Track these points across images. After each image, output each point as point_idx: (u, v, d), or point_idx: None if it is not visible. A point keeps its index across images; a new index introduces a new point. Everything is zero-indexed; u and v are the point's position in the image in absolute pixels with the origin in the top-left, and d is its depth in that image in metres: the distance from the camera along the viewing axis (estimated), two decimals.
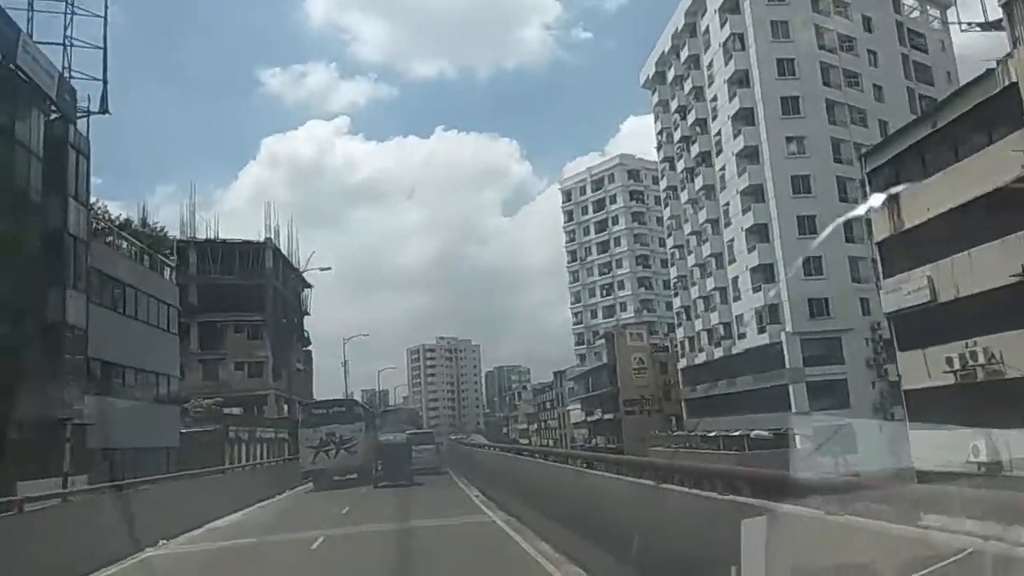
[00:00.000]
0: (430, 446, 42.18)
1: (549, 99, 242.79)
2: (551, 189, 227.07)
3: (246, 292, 61.18)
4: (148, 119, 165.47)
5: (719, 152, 60.94)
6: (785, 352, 51.96)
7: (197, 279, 61.56)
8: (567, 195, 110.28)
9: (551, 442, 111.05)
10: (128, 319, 29.41)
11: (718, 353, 62.63)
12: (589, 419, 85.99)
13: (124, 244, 33.42)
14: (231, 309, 61.29)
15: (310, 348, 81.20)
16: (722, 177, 60.91)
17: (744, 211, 55.63)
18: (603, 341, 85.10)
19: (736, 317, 59.13)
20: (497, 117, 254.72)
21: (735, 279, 58.93)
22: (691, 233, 67.89)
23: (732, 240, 58.87)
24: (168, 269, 39.04)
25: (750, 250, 55.27)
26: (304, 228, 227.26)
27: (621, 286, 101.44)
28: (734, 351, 59.93)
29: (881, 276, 31.31)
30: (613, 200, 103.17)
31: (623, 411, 75.05)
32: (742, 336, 57.83)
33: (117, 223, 32.19)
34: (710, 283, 63.33)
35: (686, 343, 71.69)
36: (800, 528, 4.50)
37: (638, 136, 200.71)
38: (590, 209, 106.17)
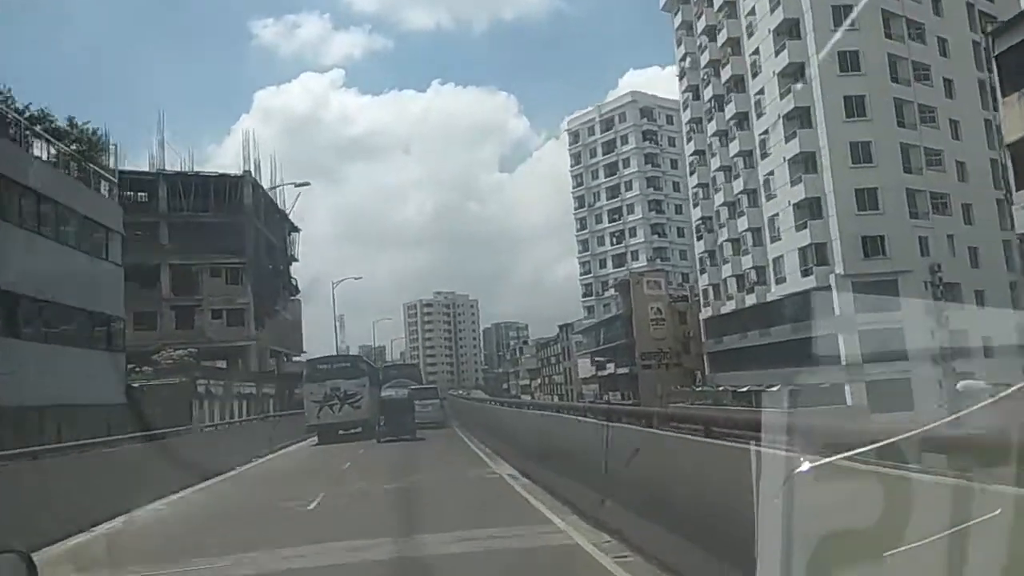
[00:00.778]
0: (434, 400, 41.81)
1: (548, 52, 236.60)
2: (549, 144, 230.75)
3: (223, 231, 54.60)
4: (137, 70, 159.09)
5: (756, 74, 53.98)
6: (834, 296, 45.76)
7: (169, 216, 55.00)
8: (574, 136, 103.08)
9: (556, 398, 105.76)
10: (43, 239, 22.90)
11: (750, 300, 56.46)
12: (600, 374, 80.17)
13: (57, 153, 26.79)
14: (207, 250, 54.76)
15: (298, 297, 74.87)
16: (758, 103, 54.07)
17: (788, 138, 48.88)
18: (615, 291, 78.92)
19: (774, 260, 52.79)
20: (495, 70, 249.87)
21: (773, 217, 52.44)
22: (719, 169, 61.21)
23: (771, 173, 52.24)
24: (108, 184, 32.32)
25: (794, 182, 48.68)
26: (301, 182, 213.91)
27: (632, 233, 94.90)
28: (769, 298, 53.75)
29: (1013, 187, 24.83)
30: (624, 141, 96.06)
31: (639, 365, 69.15)
32: (781, 281, 51.55)
33: (26, 115, 25.30)
34: (742, 223, 56.87)
35: (710, 291, 65.49)
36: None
37: (639, 88, 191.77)
38: (599, 151, 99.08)
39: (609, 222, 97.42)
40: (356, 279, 73.53)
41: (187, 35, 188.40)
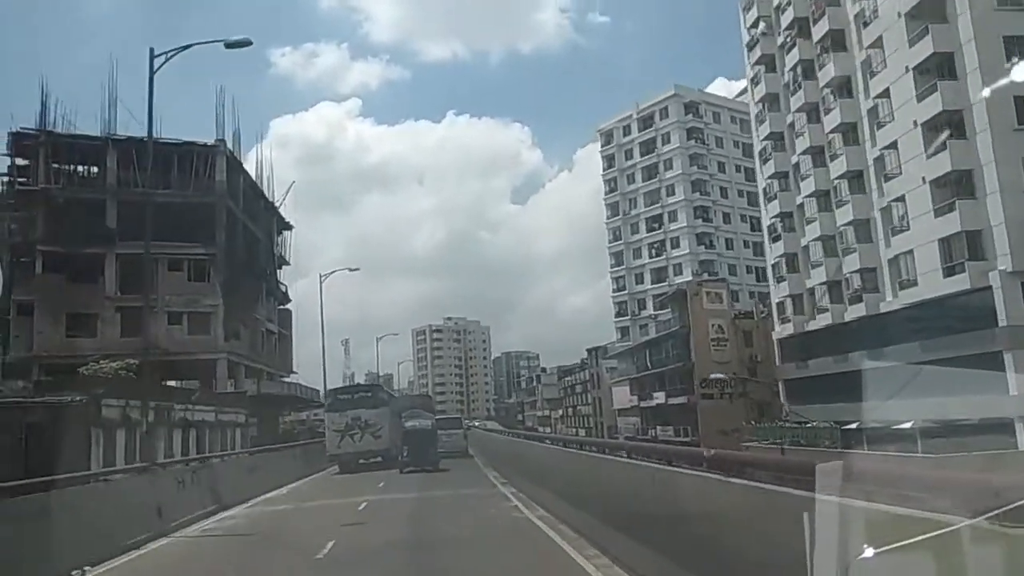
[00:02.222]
0: (458, 431, 43.29)
1: (563, 84, 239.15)
2: (562, 176, 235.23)
3: (188, 214, 43.10)
4: (158, 98, 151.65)
5: (866, 23, 42.39)
6: (998, 300, 33.66)
7: (118, 193, 43.54)
8: (607, 137, 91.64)
9: (582, 431, 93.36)
10: None
11: (854, 312, 44.34)
12: (643, 404, 67.80)
13: None
14: (166, 238, 43.17)
15: (288, 307, 63.11)
16: (869, 61, 42.49)
17: (923, 96, 37.10)
18: (665, 306, 66.81)
19: (894, 258, 40.75)
20: (510, 102, 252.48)
21: (894, 204, 40.52)
22: (805, 152, 49.43)
23: (890, 147, 40.39)
24: None
25: (931, 153, 36.80)
26: (313, 211, 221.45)
27: (675, 244, 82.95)
28: (886, 308, 41.70)
29: None
30: (666, 140, 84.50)
31: (699, 394, 56.83)
32: (908, 285, 39.43)
33: None
34: (843, 215, 44.97)
35: (787, 305, 53.34)
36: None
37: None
38: (636, 152, 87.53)
39: (647, 232, 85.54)
40: (352, 270, 63.40)
41: (206, 62, 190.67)
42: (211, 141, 46.27)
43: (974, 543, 3.56)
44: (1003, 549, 3.46)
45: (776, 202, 53.70)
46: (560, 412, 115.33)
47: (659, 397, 62.62)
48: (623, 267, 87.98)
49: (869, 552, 3.43)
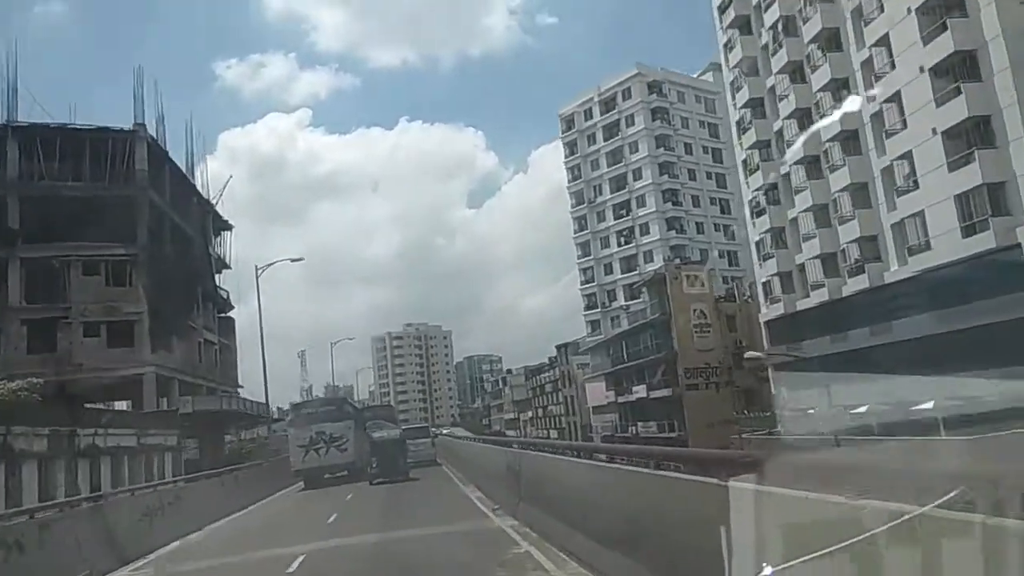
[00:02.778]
0: (426, 439, 42.29)
1: (514, 87, 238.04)
2: (517, 178, 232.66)
3: (104, 210, 37.46)
4: (96, 114, 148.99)
5: None
6: None
7: (21, 187, 37.77)
8: (567, 123, 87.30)
9: (554, 433, 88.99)
10: None
11: (854, 285, 40.45)
12: (621, 400, 63.43)
13: None
14: (79, 237, 37.63)
15: (231, 316, 57.42)
16: (857, 10, 38.64)
17: (929, 38, 33.20)
18: (644, 290, 62.44)
19: (900, 222, 36.88)
20: (463, 107, 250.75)
21: (898, 161, 36.64)
22: (790, 116, 45.53)
23: (892, 99, 36.49)
24: None
25: (942, 100, 32.90)
26: (266, 224, 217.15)
27: (645, 230, 78.91)
28: (891, 277, 37.84)
29: None
30: (630, 122, 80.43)
31: (683, 385, 52.59)
32: (919, 250, 35.52)
33: None
34: (838, 180, 41.02)
35: (774, 284, 49.41)
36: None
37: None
38: (599, 137, 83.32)
39: (615, 219, 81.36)
40: (295, 260, 52.27)
41: (149, 76, 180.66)
42: (129, 126, 40.61)
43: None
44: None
45: (759, 174, 49.71)
46: (530, 414, 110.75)
47: (639, 391, 58.25)
48: (591, 257, 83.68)
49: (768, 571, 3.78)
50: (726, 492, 5.32)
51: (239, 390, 55.96)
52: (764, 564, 3.95)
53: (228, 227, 56.56)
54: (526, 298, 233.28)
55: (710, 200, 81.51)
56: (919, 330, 34.81)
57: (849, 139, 40.69)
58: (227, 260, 56.36)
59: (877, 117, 38.11)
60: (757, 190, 50.64)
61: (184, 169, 48.03)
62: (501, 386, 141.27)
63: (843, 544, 3.73)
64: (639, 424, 58.47)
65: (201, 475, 26.31)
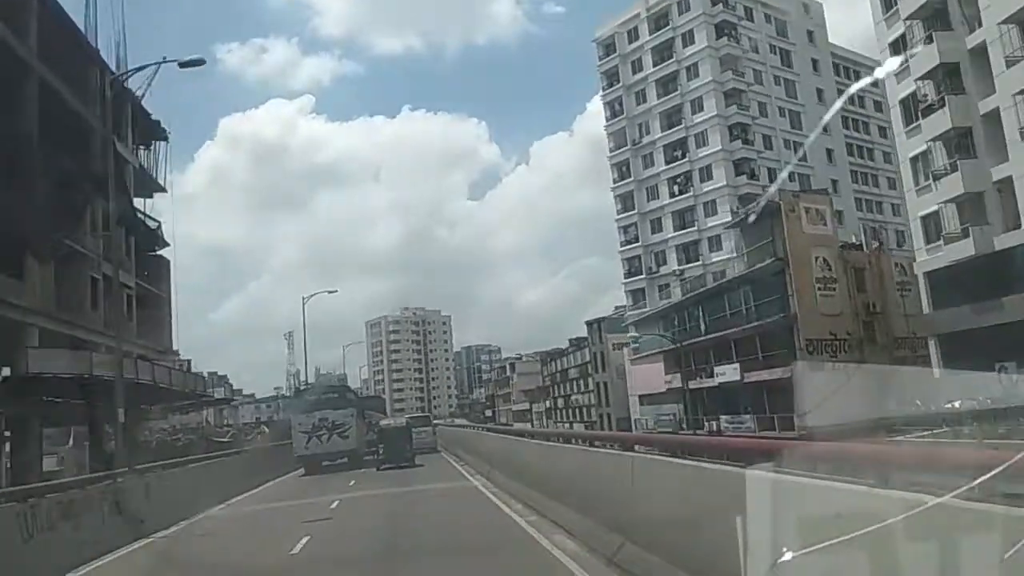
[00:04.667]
0: (427, 428, 43.68)
1: (519, 77, 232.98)
2: (519, 169, 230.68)
3: None
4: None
5: None
6: None
7: None
8: (605, 48, 71.13)
9: (580, 428, 73.04)
10: None
11: None
12: (691, 386, 47.50)
13: None
14: None
15: (164, 256, 41.53)
16: None
17: None
18: (739, 231, 46.38)
19: None
20: (466, 95, 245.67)
21: None
22: None
23: None
24: None
25: None
26: (266, 211, 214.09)
27: (706, 175, 62.86)
28: None
29: None
30: (688, 40, 64.33)
31: (804, 364, 36.61)
32: None
33: None
34: None
35: (947, 216, 33.64)
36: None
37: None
38: (647, 61, 67.25)
39: (667, 163, 65.31)
40: (331, 292, 53.08)
41: (148, 58, 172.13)
42: None
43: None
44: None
45: (930, 48, 33.58)
46: (546, 404, 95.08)
47: (725, 373, 42.26)
48: (634, 212, 67.62)
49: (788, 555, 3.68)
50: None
51: (175, 355, 40.27)
52: (784, 549, 3.77)
53: (162, 135, 40.51)
54: (525, 291, 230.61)
55: (784, 143, 65.67)
56: None
57: None
58: (161, 180, 40.46)
59: None
60: (921, 79, 34.61)
61: (94, 40, 32.20)
62: (508, 374, 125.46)
63: (861, 532, 3.58)
64: (722, 417, 42.46)
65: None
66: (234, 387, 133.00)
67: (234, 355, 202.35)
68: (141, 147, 40.05)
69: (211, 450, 34.99)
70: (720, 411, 43.38)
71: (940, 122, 33.34)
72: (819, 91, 69.95)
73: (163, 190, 40.52)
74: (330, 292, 55.24)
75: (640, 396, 58.62)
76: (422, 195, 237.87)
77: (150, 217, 39.78)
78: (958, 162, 32.66)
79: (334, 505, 17.90)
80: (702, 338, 44.67)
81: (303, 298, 49.36)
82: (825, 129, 69.11)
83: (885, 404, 29.16)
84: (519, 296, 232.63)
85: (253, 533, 14.86)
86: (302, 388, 57.88)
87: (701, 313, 45.19)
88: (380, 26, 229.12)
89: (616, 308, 79.19)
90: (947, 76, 33.42)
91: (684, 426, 48.33)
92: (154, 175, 40.57)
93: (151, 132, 39.94)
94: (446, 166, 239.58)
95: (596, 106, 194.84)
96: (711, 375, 43.78)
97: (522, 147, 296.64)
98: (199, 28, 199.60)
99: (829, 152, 68.61)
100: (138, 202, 40.00)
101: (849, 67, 75.92)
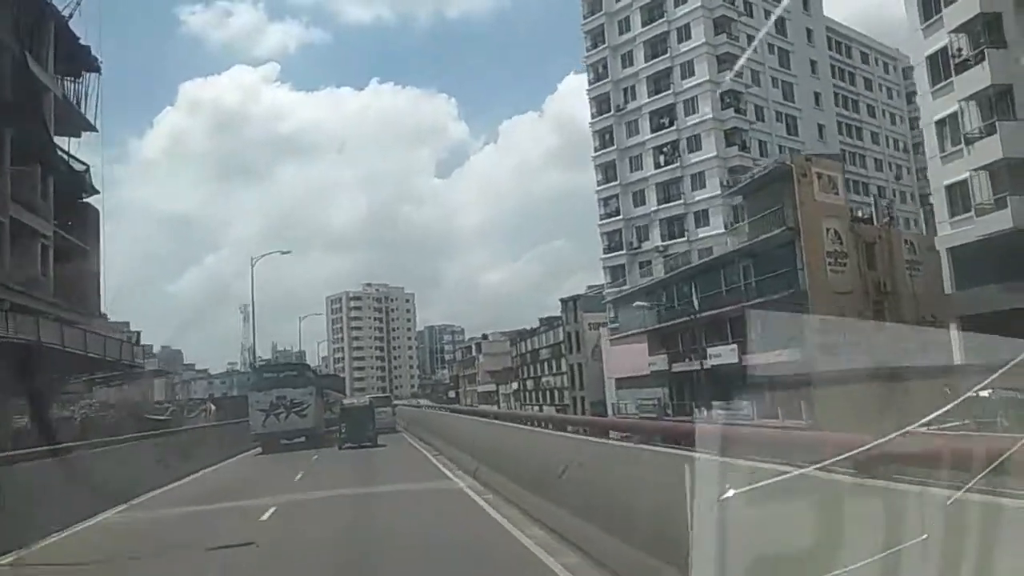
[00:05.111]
0: (387, 408, 44.63)
1: (490, 53, 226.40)
2: (487, 148, 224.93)
3: None
4: (56, 54, 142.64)
5: None
6: None
7: None
8: (590, 5, 66.71)
9: (551, 411, 69.74)
10: None
11: None
12: (676, 368, 43.82)
13: None
14: None
15: (92, 204, 36.65)
16: None
17: None
18: (742, 200, 42.63)
19: None
20: (436, 70, 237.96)
21: None
22: None
23: None
24: None
25: None
26: (225, 181, 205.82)
27: (695, 145, 58.97)
28: None
29: None
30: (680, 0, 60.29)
31: (814, 343, 32.93)
32: None
33: None
34: None
35: (979, 184, 30.05)
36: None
37: (578, 94, 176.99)
38: (635, 20, 63.01)
39: (653, 131, 61.28)
40: (284, 253, 50.02)
41: (105, 18, 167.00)
42: None
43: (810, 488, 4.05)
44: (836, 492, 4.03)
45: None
46: (514, 386, 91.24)
47: (720, 355, 38.49)
48: (616, 183, 63.55)
49: (730, 492, 3.98)
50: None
51: (100, 317, 35.56)
52: (727, 486, 4.06)
53: (93, 66, 35.35)
54: (489, 272, 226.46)
55: (776, 115, 62.11)
56: None
57: None
58: (91, 117, 35.38)
59: None
60: (958, 30, 30.84)
61: None
62: (475, 353, 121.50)
63: (802, 470, 3.99)
64: (715, 404, 38.66)
65: None
66: (189, 363, 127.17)
67: (191, 330, 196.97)
68: (67, 78, 35.01)
69: (144, 429, 30.50)
70: (712, 397, 39.58)
71: (976, 79, 29.64)
72: (812, 63, 66.54)
73: (93, 129, 35.46)
74: (283, 253, 50.84)
75: (618, 379, 54.88)
76: (388, 171, 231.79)
77: (75, 158, 34.73)
78: (996, 124, 29.00)
79: (267, 516, 13.06)
80: (694, 316, 40.79)
81: (252, 259, 45.21)
82: (817, 103, 65.96)
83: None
84: (483, 277, 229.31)
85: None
86: (257, 364, 57.45)
87: (693, 290, 41.29)
88: None
89: (589, 287, 75.44)
90: (986, 27, 29.71)
91: (669, 412, 44.74)
92: (83, 111, 35.52)
93: (79, 60, 34.86)
94: (413, 142, 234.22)
95: (567, 86, 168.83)
96: (703, 357, 39.95)
97: (491, 125, 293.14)
98: None
99: (821, 128, 65.45)
100: (67, 144, 35.10)
101: (842, 42, 72.74)
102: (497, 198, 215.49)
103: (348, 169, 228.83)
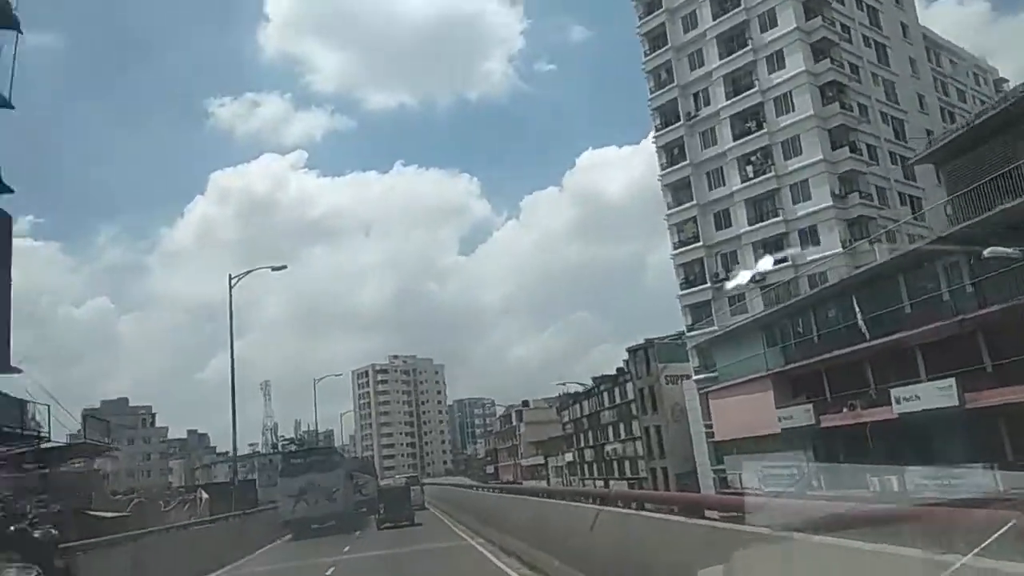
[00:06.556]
0: (416, 487, 46.63)
1: (510, 133, 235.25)
2: (510, 224, 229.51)
3: None
4: (88, 149, 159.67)
5: None
6: None
7: None
8: (647, 6, 57.05)
9: (622, 484, 56.66)
10: None
11: None
12: (826, 424, 31.68)
13: None
14: None
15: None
16: None
17: None
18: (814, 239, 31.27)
19: None
20: (457, 151, 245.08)
21: None
22: None
23: None
24: None
25: None
26: (254, 266, 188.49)
27: (792, 150, 48.07)
28: None
29: None
30: None
31: None
32: None
33: None
34: None
35: None
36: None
37: (596, 168, 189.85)
38: (706, 11, 53.13)
39: (736, 138, 50.59)
40: (276, 269, 41.04)
41: (141, 112, 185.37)
42: None
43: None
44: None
45: None
46: (568, 457, 78.76)
47: (918, 397, 26.42)
48: (690, 204, 52.59)
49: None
50: None
51: (14, 371, 24.53)
52: None
53: (10, 22, 25.25)
54: (514, 345, 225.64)
55: (881, 116, 51.41)
56: None
57: None
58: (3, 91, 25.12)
59: None
60: None
61: None
62: (515, 422, 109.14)
63: None
64: (910, 470, 26.46)
65: None
66: (212, 446, 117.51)
67: (216, 414, 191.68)
68: None
69: (84, 532, 19.50)
70: (895, 459, 27.48)
71: None
72: (912, 61, 56.23)
73: (11, 107, 25.25)
74: (275, 269, 42.08)
75: (721, 443, 42.75)
76: (413, 250, 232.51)
77: None
78: None
79: None
80: (859, 347, 28.94)
81: (230, 276, 36.96)
82: (922, 106, 55.29)
83: None
84: (510, 351, 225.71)
85: None
86: (280, 444, 58.13)
87: (854, 308, 29.58)
88: (373, 82, 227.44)
89: (645, 340, 63.77)
90: None
91: (817, 484, 32.48)
92: None
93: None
94: (437, 221, 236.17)
95: (585, 161, 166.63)
96: (878, 403, 28.01)
97: (512, 202, 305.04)
98: (192, 80, 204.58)
99: (929, 135, 54.49)
100: None
101: (930, 48, 62.48)
102: (520, 272, 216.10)
103: (375, 251, 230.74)
